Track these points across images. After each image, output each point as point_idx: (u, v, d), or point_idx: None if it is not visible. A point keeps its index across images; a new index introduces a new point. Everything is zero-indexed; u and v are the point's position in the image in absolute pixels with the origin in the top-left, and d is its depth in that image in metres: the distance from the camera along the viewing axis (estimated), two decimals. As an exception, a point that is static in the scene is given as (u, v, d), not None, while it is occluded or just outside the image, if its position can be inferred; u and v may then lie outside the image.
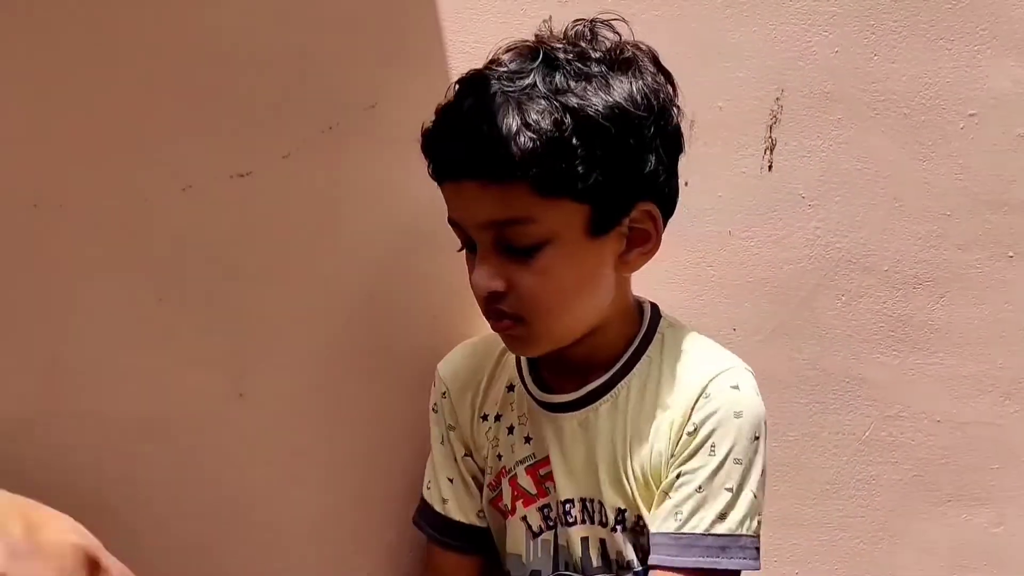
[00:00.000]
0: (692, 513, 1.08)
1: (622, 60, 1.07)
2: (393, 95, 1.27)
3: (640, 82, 1.07)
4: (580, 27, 1.11)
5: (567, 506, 1.16)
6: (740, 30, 1.35)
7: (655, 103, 1.08)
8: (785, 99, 1.37)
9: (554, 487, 1.16)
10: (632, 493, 1.13)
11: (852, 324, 1.43)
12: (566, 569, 1.17)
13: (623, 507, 1.14)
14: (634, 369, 1.14)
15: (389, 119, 1.26)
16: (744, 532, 1.09)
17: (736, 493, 1.09)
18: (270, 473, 1.27)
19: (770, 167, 1.38)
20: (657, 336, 1.16)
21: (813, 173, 1.40)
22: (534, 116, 1.01)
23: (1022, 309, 1.47)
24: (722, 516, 1.08)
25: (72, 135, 1.20)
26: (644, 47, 1.11)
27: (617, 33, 1.12)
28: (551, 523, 1.18)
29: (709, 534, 1.08)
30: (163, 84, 1.22)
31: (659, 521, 1.10)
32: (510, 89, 1.04)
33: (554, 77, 1.04)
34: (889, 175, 1.42)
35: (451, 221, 1.10)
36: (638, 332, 1.16)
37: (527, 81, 1.04)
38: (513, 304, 1.07)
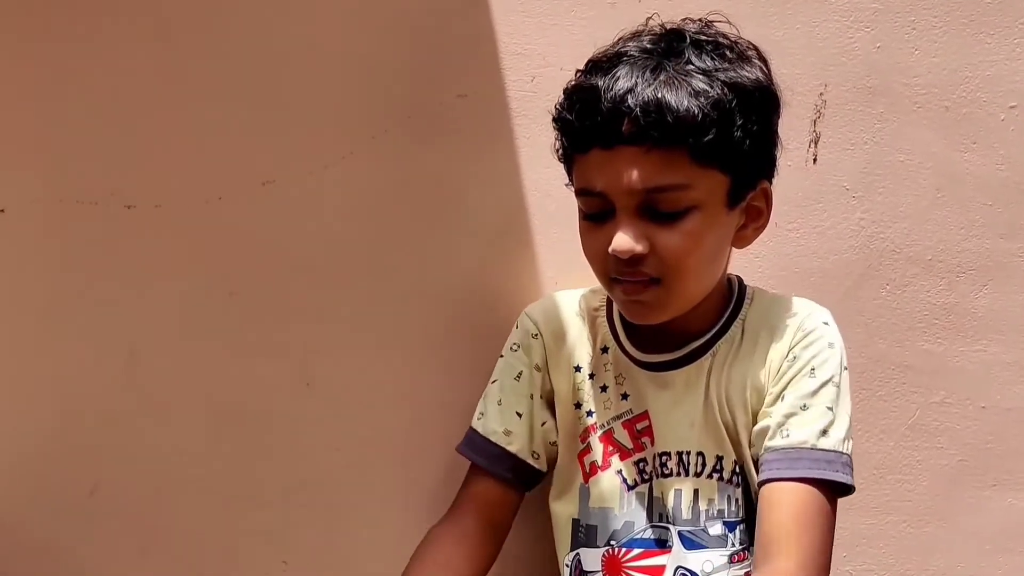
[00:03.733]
0: (799, 428, 1.15)
1: (741, 50, 1.15)
2: (447, 96, 1.32)
3: (760, 68, 1.15)
4: (698, 23, 1.17)
5: (663, 458, 1.21)
6: (784, 28, 1.39)
7: (777, 90, 1.16)
8: (829, 94, 1.40)
9: (651, 441, 1.22)
10: (731, 438, 1.20)
11: (897, 313, 1.46)
12: (660, 520, 1.21)
13: (721, 455, 1.20)
14: (730, 329, 1.22)
15: (443, 121, 1.32)
16: (844, 451, 1.15)
17: (836, 413, 1.16)
18: (337, 460, 1.32)
19: (815, 160, 1.41)
20: (747, 301, 1.24)
21: (857, 165, 1.43)
22: (700, 87, 1.08)
23: (1065, 296, 1.49)
24: (824, 432, 1.15)
25: (156, 138, 1.28)
26: (747, 41, 1.17)
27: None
28: (646, 476, 1.22)
29: (816, 448, 1.14)
30: (243, 88, 1.29)
31: (766, 439, 1.16)
32: (669, 64, 1.09)
33: (703, 57, 1.11)
34: (931, 167, 1.44)
35: (585, 191, 1.13)
36: (730, 300, 1.24)
37: (682, 59, 1.10)
38: (654, 265, 1.11)
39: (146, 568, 1.30)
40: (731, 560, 1.19)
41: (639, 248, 1.10)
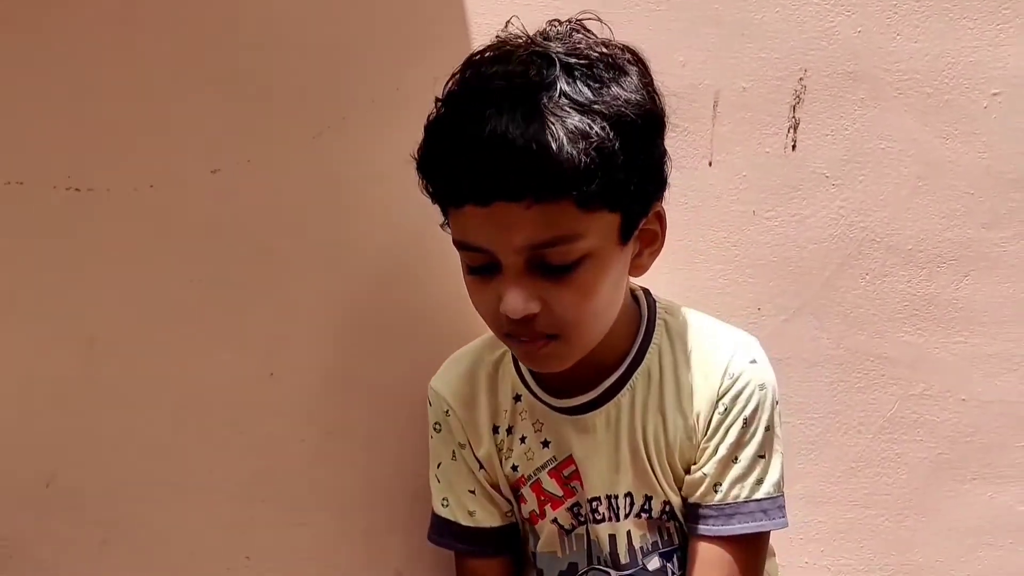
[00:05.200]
0: (732, 484, 1.14)
1: (615, 62, 1.03)
2: (412, 80, 1.27)
3: (638, 80, 1.04)
4: (561, 28, 1.05)
5: (594, 503, 1.18)
6: (763, 11, 1.35)
7: (659, 99, 1.07)
8: (808, 79, 1.37)
9: (580, 485, 1.18)
10: (657, 479, 1.17)
11: (876, 303, 1.43)
12: (597, 563, 1.20)
13: (649, 495, 1.17)
14: (644, 359, 1.16)
15: (408, 105, 1.27)
16: (778, 493, 1.15)
17: (768, 458, 1.14)
18: (301, 451, 1.29)
19: (794, 146, 1.38)
20: (659, 324, 1.18)
21: (836, 152, 1.40)
22: (579, 127, 0.96)
23: (1047, 288, 1.46)
24: (759, 481, 1.14)
25: (105, 122, 1.23)
26: (619, 44, 1.06)
27: (589, 32, 1.07)
28: (582, 519, 1.20)
29: (751, 500, 1.13)
30: (193, 73, 1.24)
31: (699, 493, 1.15)
32: (540, 100, 0.97)
33: (577, 85, 0.99)
34: (913, 154, 1.41)
35: (466, 245, 1.04)
36: (640, 324, 1.17)
37: (555, 91, 0.98)
38: (547, 322, 1.03)
39: (105, 561, 1.27)
40: None
41: (532, 308, 1.02)
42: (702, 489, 1.15)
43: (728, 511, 1.14)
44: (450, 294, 1.28)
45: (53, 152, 1.22)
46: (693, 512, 1.16)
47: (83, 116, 1.22)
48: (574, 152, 0.96)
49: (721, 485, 1.14)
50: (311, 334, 1.29)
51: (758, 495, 1.14)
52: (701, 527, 1.15)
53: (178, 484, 1.27)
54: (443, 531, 1.23)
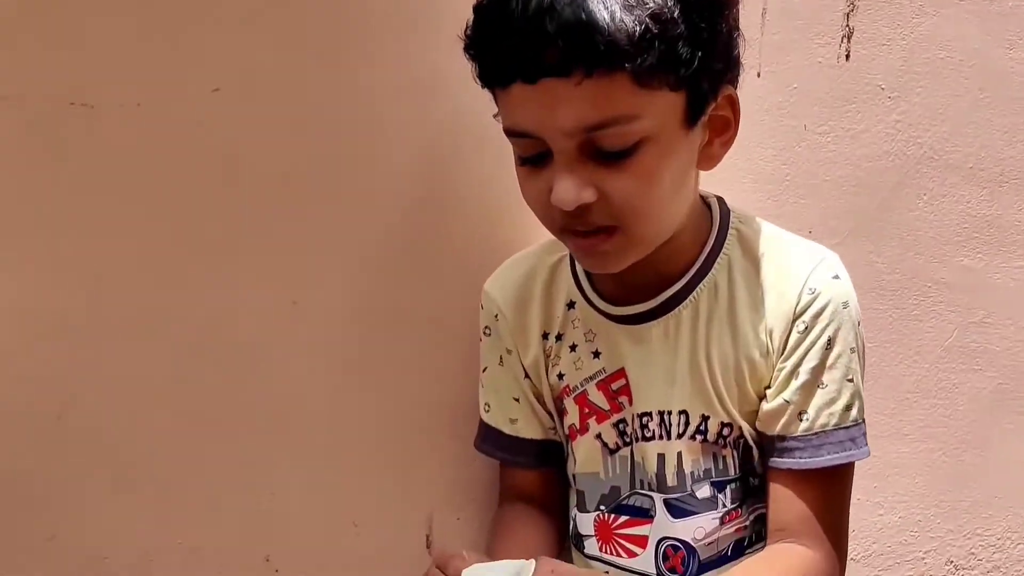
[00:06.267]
0: (820, 411, 1.07)
1: None
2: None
3: None
4: None
5: (644, 419, 1.12)
6: (816, -89, 1.29)
7: None
8: (864, -16, 1.32)
9: (628, 401, 1.12)
10: (720, 399, 1.10)
11: (934, 225, 1.39)
12: (641, 487, 1.13)
13: (707, 414, 1.10)
14: (712, 269, 1.10)
15: (445, 10, 1.20)
16: (863, 419, 1.09)
17: (856, 382, 1.08)
18: (327, 382, 1.23)
19: (847, 56, 1.33)
20: (731, 233, 1.11)
21: (893, 63, 1.35)
22: None
23: (1115, 207, 1.43)
24: (848, 408, 1.07)
25: (109, 40, 1.15)
26: None
27: None
28: (627, 439, 1.14)
29: (839, 428, 1.07)
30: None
31: (783, 423, 1.07)
32: None
33: None
34: (974, 64, 1.37)
35: (515, 131, 0.98)
36: (710, 231, 1.11)
37: None
38: (605, 213, 0.97)
39: (118, 499, 1.21)
40: (723, 521, 1.12)
41: (585, 197, 0.96)
42: (785, 418, 1.07)
43: (816, 442, 1.06)
44: (482, 217, 1.24)
45: (52, 67, 1.14)
46: (777, 446, 1.08)
47: (83, 26, 1.14)
48: (628, 20, 0.89)
49: (807, 413, 1.06)
50: (335, 260, 1.22)
51: (847, 422, 1.06)
52: (787, 460, 1.07)
53: (197, 419, 1.22)
54: (486, 438, 1.21)
